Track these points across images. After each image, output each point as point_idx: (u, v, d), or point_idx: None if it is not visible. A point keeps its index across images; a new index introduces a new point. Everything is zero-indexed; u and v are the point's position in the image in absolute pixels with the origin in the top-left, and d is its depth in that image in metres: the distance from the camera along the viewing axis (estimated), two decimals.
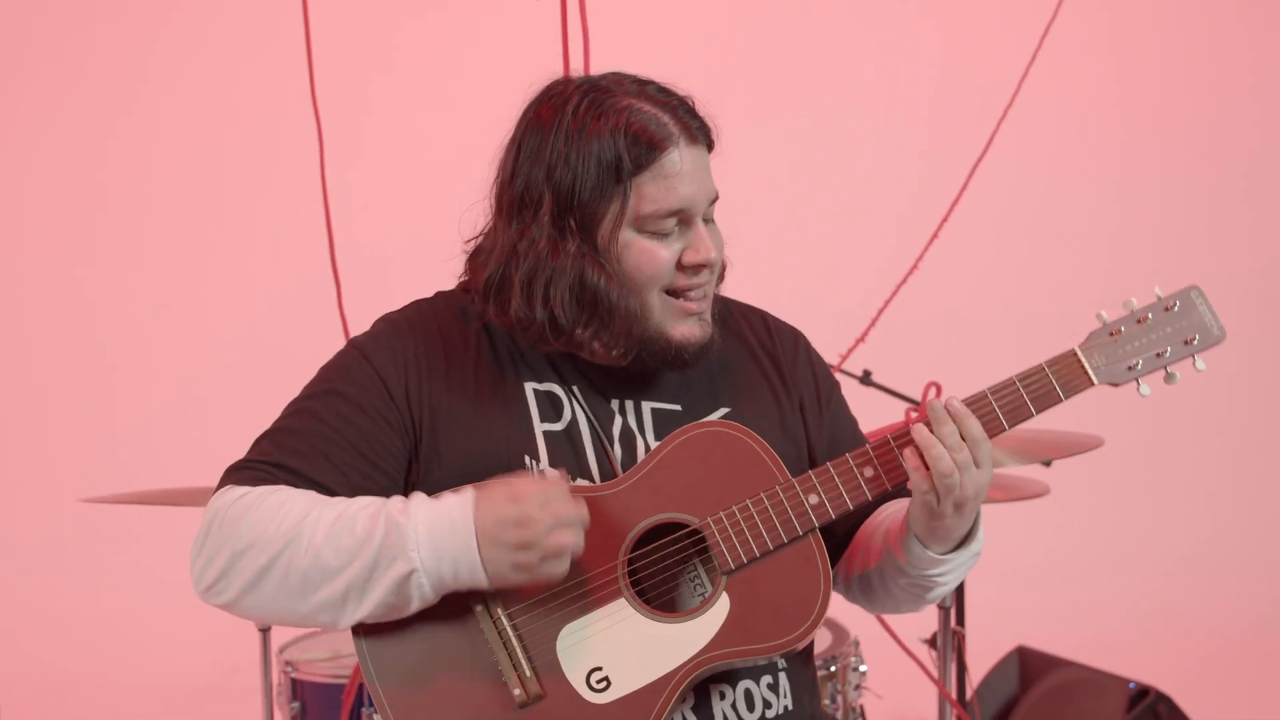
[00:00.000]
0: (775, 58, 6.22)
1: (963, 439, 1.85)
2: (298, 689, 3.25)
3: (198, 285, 6.06)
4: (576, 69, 2.79)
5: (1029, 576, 5.73)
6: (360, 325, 2.12)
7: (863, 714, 3.32)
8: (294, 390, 2.02)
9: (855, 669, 3.27)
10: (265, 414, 2.02)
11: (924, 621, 3.39)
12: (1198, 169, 6.38)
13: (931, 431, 1.86)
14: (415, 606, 1.83)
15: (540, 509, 1.77)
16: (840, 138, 6.27)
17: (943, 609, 3.32)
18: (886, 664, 3.63)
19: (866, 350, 3.78)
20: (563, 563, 1.80)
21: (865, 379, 3.71)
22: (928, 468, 1.85)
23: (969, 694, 4.22)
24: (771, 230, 6.09)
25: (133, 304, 6.06)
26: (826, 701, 3.16)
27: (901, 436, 1.90)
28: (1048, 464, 3.82)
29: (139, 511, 4.04)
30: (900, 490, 1.99)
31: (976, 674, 4.36)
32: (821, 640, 3.32)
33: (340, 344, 2.10)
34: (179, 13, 5.76)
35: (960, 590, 4.02)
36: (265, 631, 3.18)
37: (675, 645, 1.85)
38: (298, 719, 3.23)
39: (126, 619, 5.54)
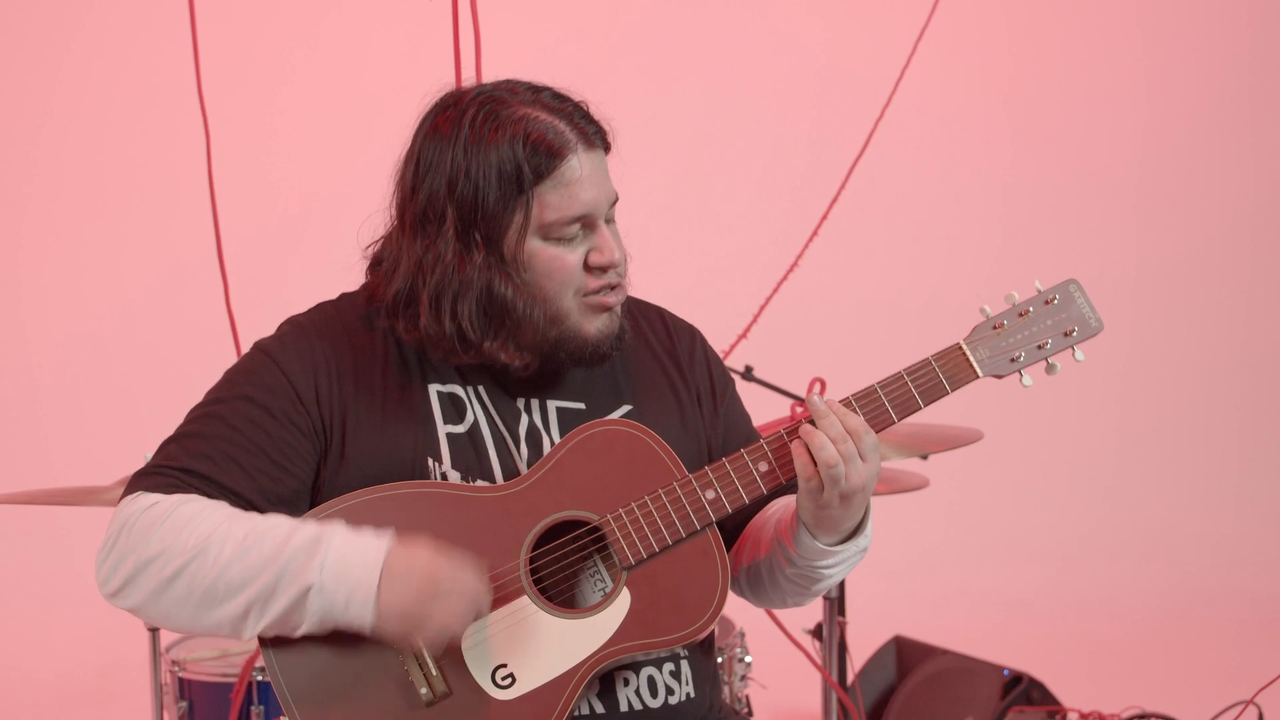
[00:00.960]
0: (660, 54, 6.24)
1: (846, 432, 1.90)
2: (185, 688, 3.21)
3: (79, 282, 5.94)
4: (468, 68, 2.81)
5: (908, 568, 5.83)
6: (248, 324, 2.12)
7: (748, 704, 3.38)
8: (180, 389, 2.03)
9: (741, 660, 3.32)
10: (151, 414, 2.03)
11: (808, 613, 3.46)
12: (1078, 162, 6.52)
13: (815, 425, 1.91)
14: (303, 630, 1.84)
15: (451, 574, 1.82)
16: (726, 134, 6.32)
17: (828, 599, 3.39)
18: (771, 655, 3.69)
19: (749, 347, 3.84)
20: (447, 634, 1.83)
21: (747, 374, 3.77)
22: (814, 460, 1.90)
23: (850, 682, 4.31)
24: (657, 227, 6.11)
25: (14, 301, 5.94)
26: None
27: (794, 430, 1.95)
28: (925, 458, 3.91)
29: (18, 511, 3.98)
30: (794, 484, 2.03)
31: (856, 663, 4.45)
32: None
33: (228, 342, 2.11)
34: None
35: (842, 582, 4.11)
36: (154, 631, 3.16)
37: (578, 640, 1.89)
38: (185, 718, 3.23)
39: (7, 617, 5.45)
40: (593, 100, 2.07)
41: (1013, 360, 2.02)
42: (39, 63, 5.95)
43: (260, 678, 3.08)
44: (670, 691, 2.03)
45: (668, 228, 6.11)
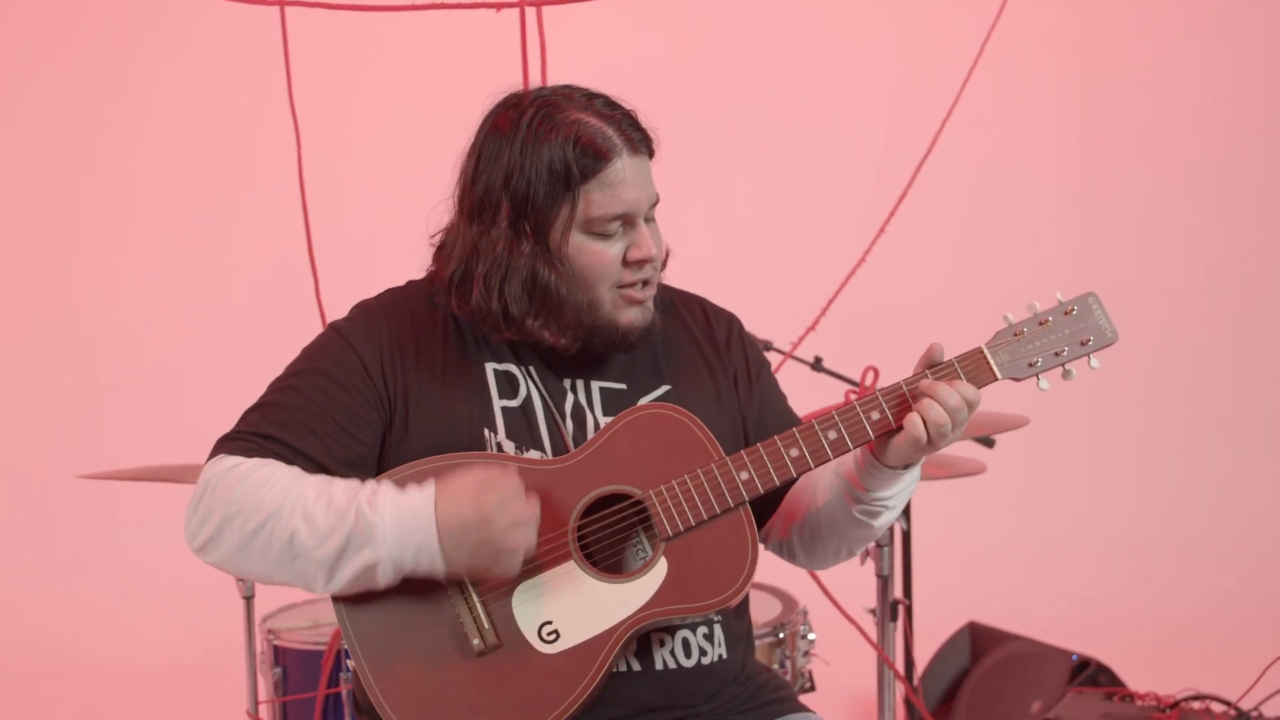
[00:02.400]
0: (728, 56, 6.36)
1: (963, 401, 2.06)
2: (279, 656, 3.41)
3: (184, 277, 6.21)
4: (535, 76, 3.00)
5: (983, 557, 5.93)
6: (336, 314, 2.32)
7: (811, 679, 3.51)
8: (274, 374, 2.22)
9: (804, 636, 3.44)
10: (248, 396, 2.21)
11: (870, 594, 3.60)
12: (1147, 161, 6.51)
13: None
14: (382, 586, 2.02)
15: (498, 510, 1.97)
16: (797, 140, 6.41)
17: (880, 577, 3.51)
18: (838, 635, 3.79)
19: (817, 338, 3.98)
20: (516, 559, 2.00)
21: (816, 365, 3.91)
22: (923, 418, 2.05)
23: (916, 661, 4.42)
24: (733, 226, 6.28)
25: (122, 296, 6.21)
26: (775, 665, 3.36)
27: (893, 393, 2.10)
28: (990, 444, 4.03)
29: (127, 492, 4.22)
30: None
31: (931, 649, 4.57)
32: (771, 609, 3.49)
33: (318, 330, 2.31)
34: (166, 18, 5.95)
35: (908, 565, 4.23)
36: (249, 600, 3.35)
37: (618, 603, 2.05)
38: (280, 684, 3.41)
39: (114, 599, 5.69)
40: (647, 108, 2.22)
41: (1030, 365, 2.14)
42: (161, 81, 6.26)
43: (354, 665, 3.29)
44: (704, 653, 2.18)
45: (740, 228, 6.28)
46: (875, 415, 2.10)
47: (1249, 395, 6.48)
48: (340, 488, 2.03)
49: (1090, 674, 4.06)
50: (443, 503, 1.99)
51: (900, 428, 2.07)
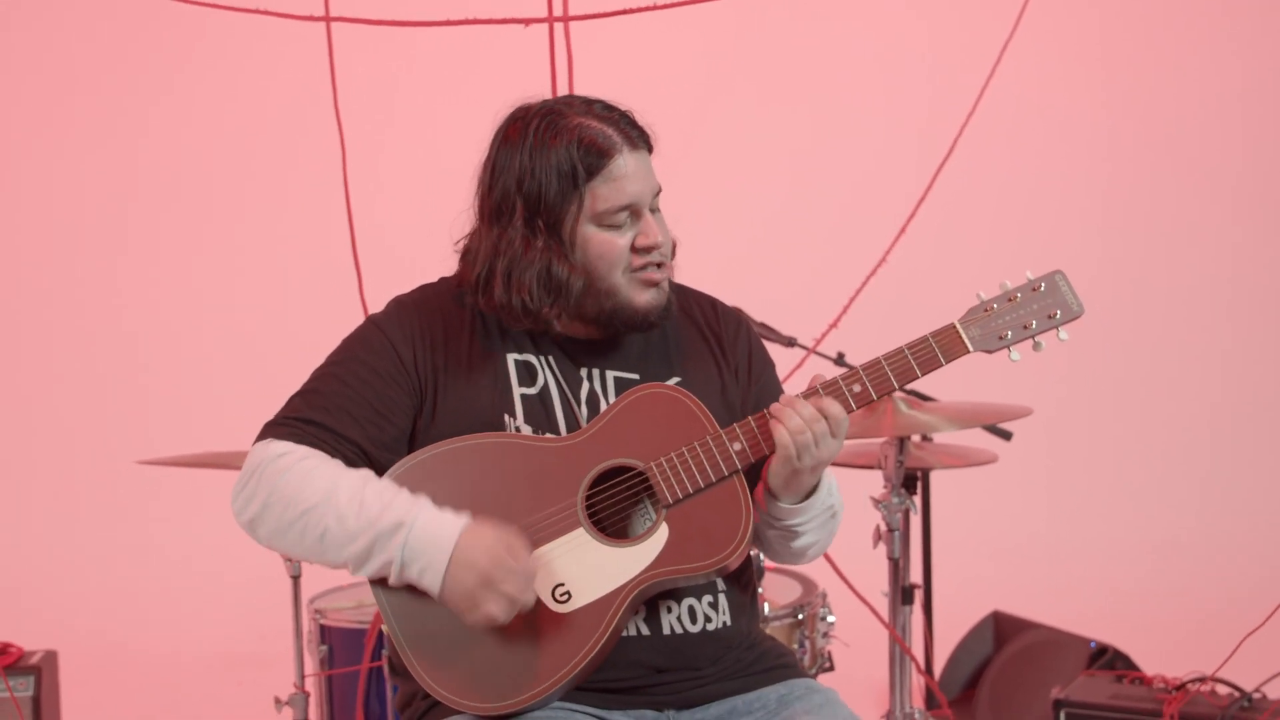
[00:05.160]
0: (752, 68, 6.53)
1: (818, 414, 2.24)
2: (325, 634, 3.60)
3: (234, 276, 6.51)
4: (563, 88, 3.19)
5: (1012, 549, 6.04)
6: (377, 310, 2.54)
7: (830, 659, 3.64)
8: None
9: (823, 618, 3.57)
10: (295, 387, 2.42)
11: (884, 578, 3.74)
12: (1173, 158, 6.58)
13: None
14: (392, 582, 2.25)
15: (504, 575, 2.17)
16: (822, 144, 6.56)
17: (891, 560, 3.65)
18: (860, 620, 3.91)
19: (840, 335, 4.14)
20: (485, 619, 2.19)
21: (839, 361, 4.07)
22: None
23: (940, 650, 4.56)
24: (761, 227, 6.44)
25: (178, 293, 6.52)
26: (795, 645, 3.52)
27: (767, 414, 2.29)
28: (1007, 436, 4.16)
29: (180, 479, 4.41)
30: None
31: (957, 639, 4.71)
32: (790, 591, 3.65)
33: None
34: (214, 29, 6.19)
35: (927, 553, 4.38)
36: (296, 579, 3.55)
37: (624, 565, 2.24)
38: (325, 661, 3.60)
39: (171, 586, 5.93)
40: (671, 119, 2.44)
41: (1000, 339, 2.30)
42: (208, 90, 6.54)
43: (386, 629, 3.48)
44: (708, 619, 2.35)
45: (773, 227, 6.43)
46: (737, 446, 2.29)
47: (1275, 389, 6.54)
48: (374, 491, 2.24)
49: (1108, 660, 4.16)
50: (465, 541, 2.19)
51: None
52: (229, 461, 3.38)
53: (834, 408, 2.25)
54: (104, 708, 4.85)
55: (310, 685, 3.61)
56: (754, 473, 2.39)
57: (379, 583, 2.28)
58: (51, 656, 4.01)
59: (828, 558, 3.70)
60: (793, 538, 2.41)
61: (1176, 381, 6.45)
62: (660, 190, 2.39)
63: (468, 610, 2.19)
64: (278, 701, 3.62)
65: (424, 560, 2.19)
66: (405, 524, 2.19)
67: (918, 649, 3.95)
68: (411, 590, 2.25)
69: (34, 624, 4.80)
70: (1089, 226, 6.60)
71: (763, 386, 2.53)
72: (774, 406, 2.27)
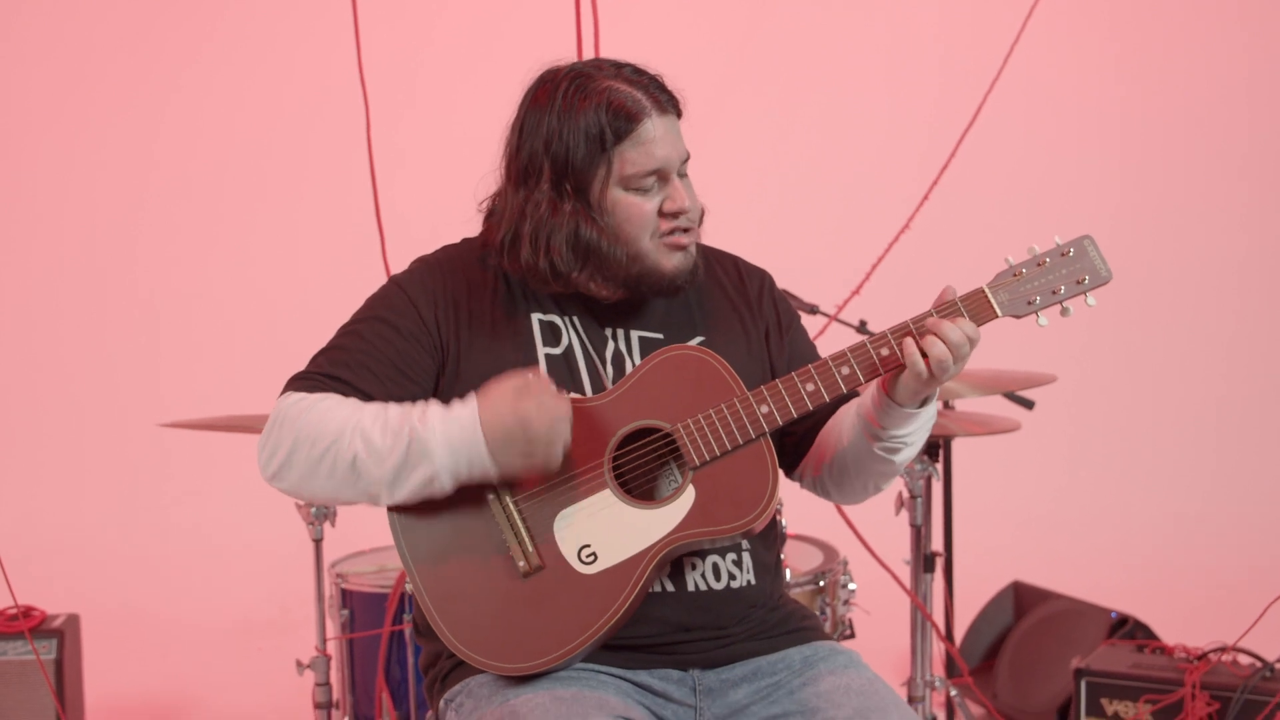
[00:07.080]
0: (780, 36, 6.55)
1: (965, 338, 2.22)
2: (346, 598, 3.62)
3: (257, 241, 6.59)
4: (588, 54, 3.18)
5: (1032, 520, 6.06)
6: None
7: (851, 626, 3.66)
8: None
9: (844, 586, 3.59)
10: (317, 349, 2.43)
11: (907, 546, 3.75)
12: (1186, 140, 6.61)
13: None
14: (440, 495, 2.23)
15: (537, 411, 2.16)
16: (845, 116, 6.60)
17: (914, 527, 3.65)
18: (882, 589, 3.90)
19: (861, 302, 4.14)
20: (556, 450, 2.19)
21: (861, 328, 4.07)
22: (924, 355, 2.21)
23: (960, 619, 4.57)
24: (786, 196, 6.46)
25: (204, 259, 6.58)
26: (816, 612, 3.53)
27: (901, 330, 2.26)
28: (1029, 405, 4.17)
29: (203, 444, 4.42)
30: (838, 400, 2.37)
31: (977, 608, 4.71)
32: (812, 558, 3.66)
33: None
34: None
35: (948, 521, 4.39)
36: (318, 543, 3.56)
37: (650, 527, 2.24)
38: (347, 625, 3.62)
39: (192, 551, 5.99)
40: (697, 90, 2.40)
41: (1029, 303, 2.28)
42: (231, 53, 6.57)
43: (411, 589, 3.49)
44: (733, 577, 2.36)
45: (797, 196, 6.45)
46: (885, 351, 2.26)
47: None
48: (395, 412, 2.24)
49: (1128, 630, 4.15)
50: (485, 414, 2.19)
51: None
52: (250, 425, 3.39)
53: (970, 328, 2.23)
54: (126, 671, 4.89)
55: (331, 649, 3.63)
56: (778, 433, 2.38)
57: (407, 540, 2.28)
58: (74, 620, 4.04)
59: (850, 524, 3.71)
60: (898, 450, 2.36)
61: (1197, 353, 6.46)
62: (689, 157, 2.38)
63: (535, 461, 2.19)
64: (299, 665, 3.65)
65: (465, 454, 2.18)
66: (429, 432, 2.18)
67: (938, 617, 3.95)
68: (439, 550, 2.25)
69: (56, 588, 4.81)
70: (1104, 198, 6.63)
71: (794, 344, 2.53)
72: (930, 321, 2.23)
